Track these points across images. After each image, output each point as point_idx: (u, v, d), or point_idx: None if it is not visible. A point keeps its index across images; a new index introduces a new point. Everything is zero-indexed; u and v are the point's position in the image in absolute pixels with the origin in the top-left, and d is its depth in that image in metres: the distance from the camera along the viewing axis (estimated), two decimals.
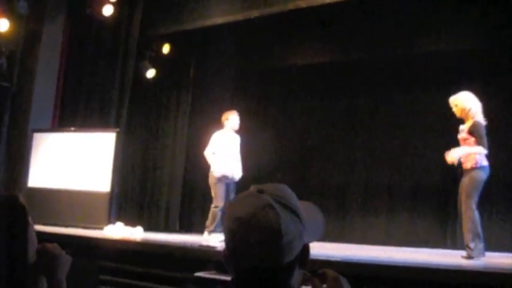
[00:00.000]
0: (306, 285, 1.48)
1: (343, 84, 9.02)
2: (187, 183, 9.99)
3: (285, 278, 1.33)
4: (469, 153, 5.55)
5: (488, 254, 5.64)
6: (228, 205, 1.40)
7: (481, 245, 5.43)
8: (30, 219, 1.84)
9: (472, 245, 5.37)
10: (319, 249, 5.38)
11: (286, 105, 9.55)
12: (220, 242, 6.63)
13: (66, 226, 7.61)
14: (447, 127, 7.28)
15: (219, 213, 6.95)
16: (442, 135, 7.88)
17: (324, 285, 1.47)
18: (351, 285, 1.50)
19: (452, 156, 5.61)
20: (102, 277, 5.88)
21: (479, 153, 5.50)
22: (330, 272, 1.48)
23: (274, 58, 9.60)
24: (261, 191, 1.35)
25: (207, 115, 9.69)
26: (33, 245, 1.82)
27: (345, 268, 4.29)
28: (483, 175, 5.55)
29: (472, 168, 5.56)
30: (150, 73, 9.63)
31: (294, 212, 1.33)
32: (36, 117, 8.99)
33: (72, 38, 9.53)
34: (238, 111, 7.42)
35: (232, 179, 7.11)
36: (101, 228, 7.55)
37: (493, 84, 7.59)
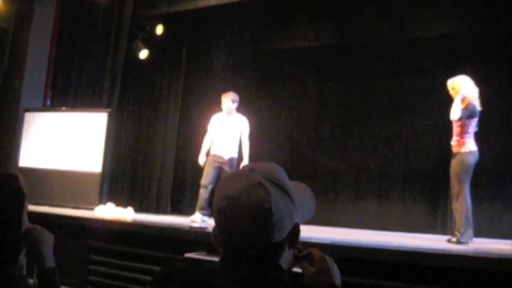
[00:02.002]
0: (295, 266, 1.48)
1: (335, 69, 9.00)
2: (178, 165, 9.98)
3: (274, 258, 1.32)
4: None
5: (476, 239, 5.69)
6: (219, 184, 1.39)
7: (470, 231, 5.48)
8: (26, 203, 1.84)
9: (462, 230, 5.42)
10: (310, 233, 5.42)
11: (278, 88, 9.53)
12: (203, 222, 6.65)
13: (57, 206, 7.59)
14: (439, 112, 7.31)
15: (202, 192, 6.97)
16: (434, 120, 7.92)
17: (312, 267, 1.46)
18: (338, 266, 1.49)
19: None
20: (92, 257, 5.89)
21: (455, 111, 5.61)
22: (316, 252, 1.48)
23: (268, 40, 9.55)
24: (252, 170, 1.34)
25: (200, 97, 9.68)
26: (24, 229, 1.82)
27: (334, 251, 4.31)
28: (472, 159, 5.62)
29: (461, 153, 5.62)
30: (143, 54, 9.56)
31: (284, 190, 1.33)
32: (27, 97, 8.92)
33: (64, 17, 9.43)
34: (224, 89, 7.38)
35: (222, 160, 7.07)
36: (92, 209, 7.54)
37: (488, 68, 7.59)
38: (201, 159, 7.15)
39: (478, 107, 5.71)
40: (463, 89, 5.72)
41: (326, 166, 8.93)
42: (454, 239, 5.48)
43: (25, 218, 1.83)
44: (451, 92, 5.85)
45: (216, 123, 7.25)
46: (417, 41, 8.18)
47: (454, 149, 5.72)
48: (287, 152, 9.17)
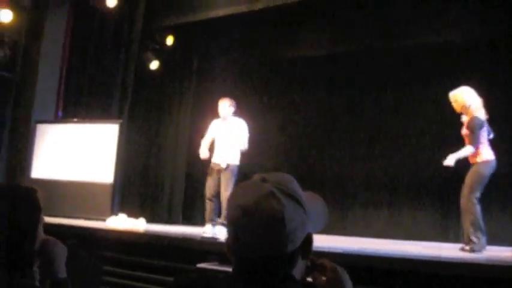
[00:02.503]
0: (307, 277, 1.49)
1: (345, 76, 9.00)
2: (190, 175, 9.99)
3: (287, 268, 1.33)
4: (462, 156, 5.57)
5: (488, 247, 5.64)
6: (231, 193, 1.40)
7: (483, 239, 5.43)
8: (42, 216, 1.87)
9: (474, 239, 5.37)
10: (320, 242, 5.40)
11: (288, 96, 9.55)
12: (214, 233, 6.62)
13: (69, 217, 7.62)
14: (449, 120, 7.28)
15: (207, 205, 6.95)
16: (444, 128, 7.89)
17: (324, 278, 1.47)
18: (350, 276, 1.50)
19: (448, 163, 5.62)
20: (106, 268, 5.90)
21: (471, 153, 5.52)
22: (328, 263, 1.48)
23: (278, 49, 9.58)
24: (264, 180, 1.35)
25: (210, 107, 9.66)
26: (38, 242, 1.84)
27: (345, 260, 4.29)
28: (488, 169, 5.55)
29: (478, 163, 5.57)
30: (154, 65, 9.63)
31: (297, 201, 1.34)
32: (39, 109, 8.98)
33: (75, 29, 9.50)
34: (236, 101, 7.33)
35: (219, 168, 6.93)
36: (104, 220, 7.56)
37: (493, 77, 7.58)
38: (203, 153, 7.04)
39: (483, 116, 5.65)
40: (466, 101, 5.67)
41: (336, 175, 8.92)
42: (467, 248, 5.43)
43: (41, 231, 1.85)
44: (454, 104, 5.81)
45: (213, 128, 7.16)
46: (429, 46, 8.18)
47: (471, 160, 5.64)
48: (296, 160, 9.17)
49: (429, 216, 8.10)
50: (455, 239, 7.43)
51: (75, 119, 9.06)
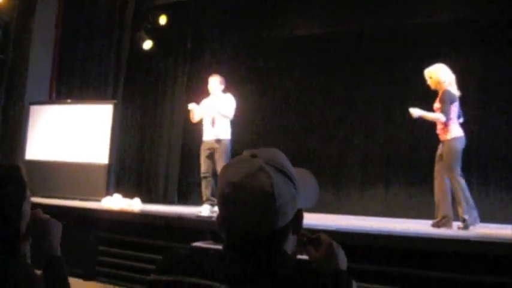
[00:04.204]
0: (302, 254, 1.49)
1: (341, 55, 8.94)
2: (185, 155, 9.98)
3: (278, 243, 1.33)
4: (428, 118, 5.75)
5: (485, 225, 5.69)
6: (221, 170, 1.39)
7: (475, 213, 5.50)
8: (28, 193, 1.84)
9: (466, 216, 5.42)
10: (316, 220, 5.43)
11: (283, 75, 9.49)
12: (211, 212, 6.62)
13: (65, 198, 7.63)
14: None
15: (202, 183, 6.95)
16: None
17: (318, 253, 1.46)
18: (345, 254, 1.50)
19: (412, 112, 5.77)
20: (101, 248, 5.92)
21: (439, 120, 5.65)
22: (324, 238, 1.48)
23: (272, 28, 9.51)
24: (254, 156, 1.34)
25: (204, 86, 9.63)
26: (25, 219, 1.82)
27: (340, 238, 4.31)
28: (459, 145, 5.66)
29: (448, 140, 5.67)
30: (147, 44, 9.56)
31: (287, 175, 1.33)
32: (32, 90, 8.94)
33: (67, 10, 9.42)
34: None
35: (211, 146, 6.90)
36: (99, 200, 7.57)
37: (476, 55, 7.64)
38: (193, 118, 7.08)
39: (456, 92, 5.76)
40: (440, 77, 5.77)
41: (331, 154, 8.91)
42: (461, 225, 5.47)
43: (26, 208, 1.83)
44: (429, 81, 5.91)
45: (203, 106, 7.10)
46: (420, 26, 8.18)
47: (441, 137, 5.77)
48: (291, 140, 9.14)
49: (425, 194, 8.11)
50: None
51: (69, 100, 9.03)
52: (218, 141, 6.85)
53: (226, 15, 9.43)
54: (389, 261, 4.34)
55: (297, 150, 8.80)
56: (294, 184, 1.34)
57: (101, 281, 5.77)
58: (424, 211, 7.82)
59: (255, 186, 1.27)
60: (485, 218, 6.26)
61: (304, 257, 1.49)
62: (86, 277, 5.69)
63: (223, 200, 1.32)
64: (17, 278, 1.61)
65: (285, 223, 1.31)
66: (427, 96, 7.94)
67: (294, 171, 1.37)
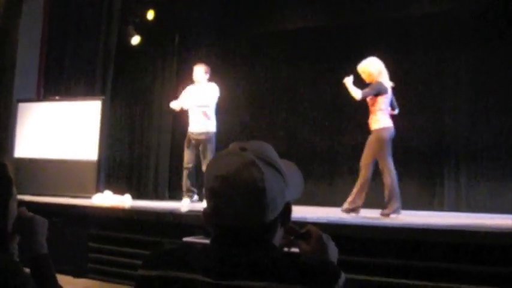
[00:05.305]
0: (293, 247, 1.49)
1: (331, 49, 8.93)
2: (175, 150, 9.94)
3: (267, 237, 1.33)
4: (349, 89, 5.90)
5: (475, 215, 5.74)
6: (209, 163, 1.38)
7: (399, 203, 5.67)
8: (14, 190, 1.83)
9: (392, 204, 5.59)
10: (307, 213, 5.44)
11: (272, 69, 9.49)
12: (191, 203, 6.60)
13: (55, 196, 7.59)
14: (436, 91, 7.33)
15: (184, 174, 6.94)
16: (430, 99, 7.93)
17: (308, 246, 1.46)
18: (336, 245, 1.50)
19: (345, 79, 5.91)
20: (92, 244, 5.90)
21: (355, 95, 5.84)
22: (313, 230, 1.48)
23: (260, 23, 9.49)
24: (243, 149, 1.33)
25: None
26: (12, 217, 1.80)
27: (330, 230, 4.32)
28: (387, 134, 5.80)
29: (376, 130, 5.82)
30: (135, 40, 9.51)
31: (276, 169, 1.33)
32: (20, 87, 8.87)
33: (54, 5, 9.35)
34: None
35: (195, 137, 6.92)
36: (89, 197, 7.53)
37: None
38: (174, 104, 7.09)
39: (388, 84, 5.87)
40: (372, 70, 5.91)
41: (322, 147, 8.92)
42: (385, 212, 5.64)
43: (13, 205, 1.81)
44: (363, 75, 6.05)
45: (186, 94, 7.11)
46: (407, 19, 8.20)
47: (371, 126, 5.91)
48: (283, 133, 9.15)
49: (415, 185, 8.14)
50: (440, 208, 7.56)
51: (57, 97, 8.97)
52: (203, 133, 6.86)
53: (214, 10, 9.39)
54: (378, 253, 4.36)
55: (287, 143, 8.81)
56: (283, 177, 1.34)
57: (93, 278, 5.76)
58: (414, 202, 7.90)
59: (246, 180, 1.26)
60: (478, 208, 6.33)
61: (295, 249, 1.49)
62: (77, 274, 5.66)
63: (211, 194, 1.31)
64: (6, 276, 1.60)
65: (274, 216, 1.31)
66: (420, 89, 8.04)
67: (282, 164, 1.36)
